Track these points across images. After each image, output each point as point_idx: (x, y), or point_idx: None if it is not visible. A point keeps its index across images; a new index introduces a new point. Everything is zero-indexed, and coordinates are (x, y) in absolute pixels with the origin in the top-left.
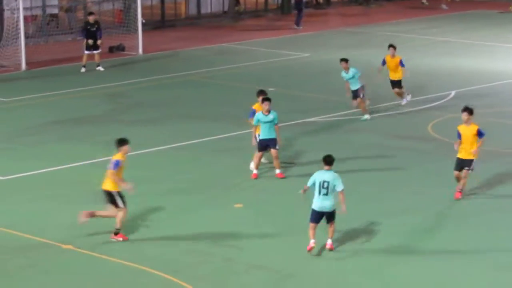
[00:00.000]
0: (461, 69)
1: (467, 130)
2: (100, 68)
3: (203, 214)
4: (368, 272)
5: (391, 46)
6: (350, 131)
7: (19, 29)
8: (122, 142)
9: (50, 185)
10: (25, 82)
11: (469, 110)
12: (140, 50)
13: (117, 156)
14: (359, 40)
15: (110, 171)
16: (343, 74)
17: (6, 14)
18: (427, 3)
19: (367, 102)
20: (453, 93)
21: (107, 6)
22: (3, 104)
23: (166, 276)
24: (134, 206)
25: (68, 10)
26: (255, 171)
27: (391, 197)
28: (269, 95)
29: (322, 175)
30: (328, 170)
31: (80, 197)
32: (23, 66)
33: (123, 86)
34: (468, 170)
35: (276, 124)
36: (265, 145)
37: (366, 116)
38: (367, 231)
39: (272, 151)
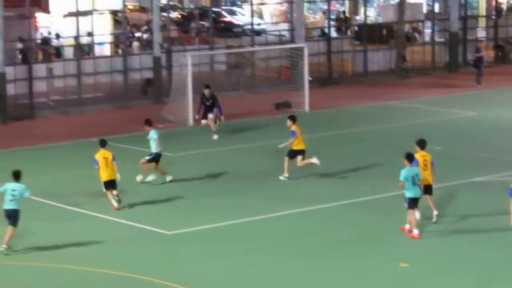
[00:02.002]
0: None
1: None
2: (215, 137)
3: (367, 272)
4: None
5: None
6: None
7: (187, 84)
8: None
9: (217, 239)
10: (192, 137)
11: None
12: (307, 107)
13: None
14: None
15: None
16: None
17: (175, 70)
18: None
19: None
20: None
21: (274, 63)
22: (170, 159)
23: None
24: (297, 257)
25: (235, 67)
26: (415, 232)
27: None
28: (434, 153)
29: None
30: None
31: (246, 253)
32: (190, 121)
33: None
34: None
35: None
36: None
37: (140, 178)
38: None
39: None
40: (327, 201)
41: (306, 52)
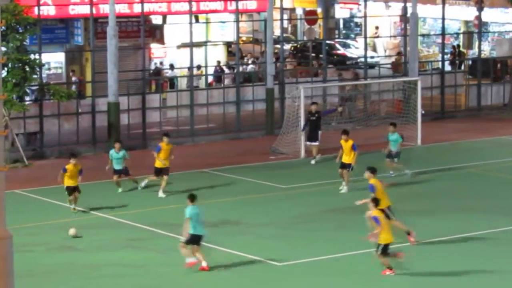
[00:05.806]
0: None
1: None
2: (313, 161)
3: None
4: None
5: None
6: None
7: (299, 116)
8: None
9: (326, 272)
10: (303, 169)
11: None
12: (419, 141)
13: None
14: None
15: None
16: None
17: (287, 102)
18: None
19: None
20: None
21: (387, 96)
22: (282, 191)
23: None
24: None
25: (348, 99)
26: None
27: None
28: None
29: None
30: None
31: (353, 287)
32: (302, 153)
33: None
34: None
35: None
36: None
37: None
38: None
39: None
40: (437, 235)
41: (419, 85)
